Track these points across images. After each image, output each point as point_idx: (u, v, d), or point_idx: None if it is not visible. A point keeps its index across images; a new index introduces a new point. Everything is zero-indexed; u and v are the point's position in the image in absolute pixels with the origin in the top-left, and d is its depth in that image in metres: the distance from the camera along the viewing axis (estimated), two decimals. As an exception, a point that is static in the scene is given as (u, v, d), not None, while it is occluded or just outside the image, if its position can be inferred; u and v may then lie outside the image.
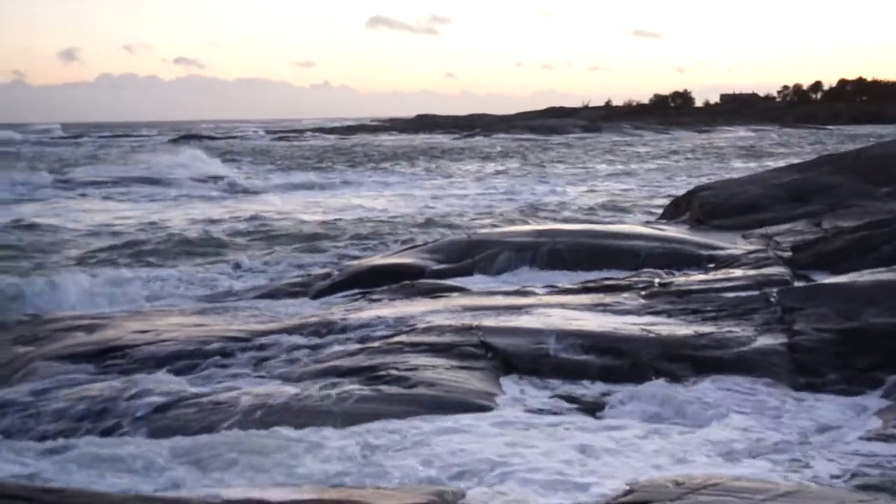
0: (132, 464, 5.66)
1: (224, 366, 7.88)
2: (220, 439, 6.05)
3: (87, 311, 11.16)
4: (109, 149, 65.59)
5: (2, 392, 7.52)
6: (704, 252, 12.10)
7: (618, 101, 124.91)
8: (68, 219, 21.89)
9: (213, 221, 21.17)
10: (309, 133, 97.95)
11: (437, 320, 8.75)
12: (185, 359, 8.04)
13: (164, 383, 7.36)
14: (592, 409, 6.65)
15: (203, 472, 5.54)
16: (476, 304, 9.60)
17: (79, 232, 19.47)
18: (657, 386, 6.97)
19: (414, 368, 7.31)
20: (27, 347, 9.13)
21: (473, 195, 27.12)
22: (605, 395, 6.94)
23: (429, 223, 20.10)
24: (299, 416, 6.47)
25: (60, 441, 6.33)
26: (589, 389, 7.07)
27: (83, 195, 28.74)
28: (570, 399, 6.83)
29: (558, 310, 9.01)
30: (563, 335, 7.91)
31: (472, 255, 12.54)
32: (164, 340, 8.56)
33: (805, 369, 7.33)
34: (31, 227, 19.98)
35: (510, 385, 7.16)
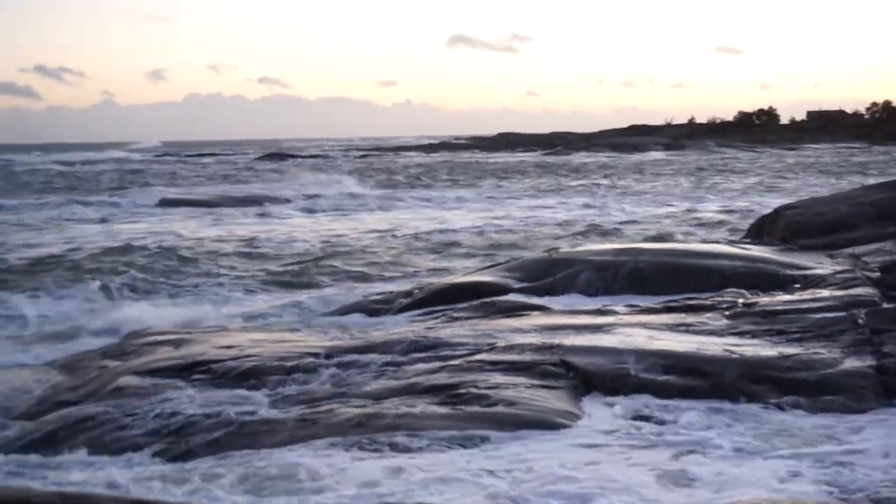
0: (199, 483, 5.72)
1: (305, 382, 7.96)
2: (291, 458, 6.10)
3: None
4: (231, 166, 67.37)
5: (90, 405, 7.71)
6: (790, 272, 11.89)
7: (701, 119, 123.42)
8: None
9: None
10: (391, 152, 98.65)
11: (518, 339, 8.75)
12: (267, 375, 8.14)
13: (246, 399, 7.50)
14: (674, 429, 6.57)
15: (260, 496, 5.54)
16: (556, 322, 9.57)
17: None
18: (742, 407, 6.87)
19: (494, 387, 7.31)
20: (115, 362, 9.33)
21: (555, 213, 27.04)
22: (687, 415, 6.85)
23: (508, 241, 20.10)
24: (377, 434, 6.51)
25: (138, 456, 6.50)
26: (670, 410, 6.99)
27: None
28: (650, 419, 6.77)
29: (640, 329, 8.94)
30: (644, 355, 7.85)
31: (552, 274, 12.50)
32: (247, 356, 8.69)
33: (893, 392, 7.16)
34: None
35: (590, 404, 7.11)
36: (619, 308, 10.35)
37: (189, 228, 24.17)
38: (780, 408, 6.99)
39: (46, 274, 16.15)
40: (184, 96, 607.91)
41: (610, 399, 7.24)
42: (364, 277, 15.48)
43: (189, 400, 7.60)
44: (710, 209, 27.55)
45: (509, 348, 8.39)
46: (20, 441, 7.30)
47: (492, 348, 8.46)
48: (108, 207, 31.68)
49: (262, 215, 28.12)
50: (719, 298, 10.41)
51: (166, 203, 32.61)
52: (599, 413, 6.92)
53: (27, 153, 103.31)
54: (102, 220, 27.56)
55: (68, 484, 5.64)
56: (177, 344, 9.65)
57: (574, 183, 42.19)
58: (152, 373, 8.43)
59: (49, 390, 8.72)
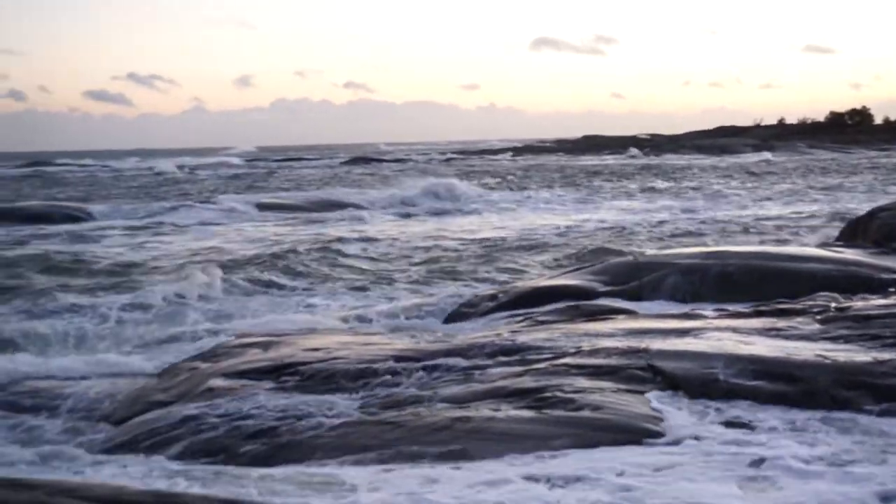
0: (288, 487, 5.77)
1: (390, 386, 8.01)
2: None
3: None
4: (328, 170, 68.71)
5: (181, 407, 7.86)
6: (884, 276, 11.61)
7: (791, 119, 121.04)
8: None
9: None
10: (476, 155, 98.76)
11: (603, 343, 8.68)
12: (354, 378, 8.20)
13: (332, 402, 7.57)
14: (766, 435, 6.44)
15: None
16: (643, 326, 9.48)
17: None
18: (835, 414, 6.72)
19: (580, 391, 7.26)
20: (206, 363, 9.49)
21: (641, 215, 26.80)
22: (777, 421, 6.72)
23: (594, 243, 19.98)
24: (466, 439, 6.51)
25: (225, 456, 6.60)
26: (760, 416, 6.86)
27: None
28: (739, 425, 6.65)
29: (728, 333, 8.80)
30: (733, 359, 7.72)
31: (638, 278, 12.39)
32: (334, 359, 8.77)
33: None
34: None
35: (679, 410, 7.01)
36: (707, 312, 10.21)
37: (305, 232, 24.56)
38: (875, 415, 6.81)
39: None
40: (271, 102, 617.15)
41: (698, 404, 7.14)
42: (450, 280, 15.51)
43: (276, 402, 7.69)
44: (800, 211, 27.03)
45: (595, 352, 8.33)
46: (112, 441, 7.48)
47: (577, 352, 8.41)
48: (225, 212, 32.12)
49: (359, 219, 28.41)
50: (811, 302, 10.20)
51: (267, 207, 33.30)
52: (687, 418, 6.83)
53: (118, 159, 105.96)
54: (214, 224, 28.08)
55: (158, 482, 5.75)
56: (266, 346, 9.79)
57: (661, 185, 41.75)
58: (241, 374, 8.57)
59: (140, 390, 8.92)
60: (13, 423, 8.29)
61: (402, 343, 9.61)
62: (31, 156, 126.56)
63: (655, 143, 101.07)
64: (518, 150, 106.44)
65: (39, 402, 8.74)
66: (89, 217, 31.12)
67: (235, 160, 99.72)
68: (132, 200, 38.38)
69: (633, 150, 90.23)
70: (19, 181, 62.36)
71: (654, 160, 73.72)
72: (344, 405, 7.49)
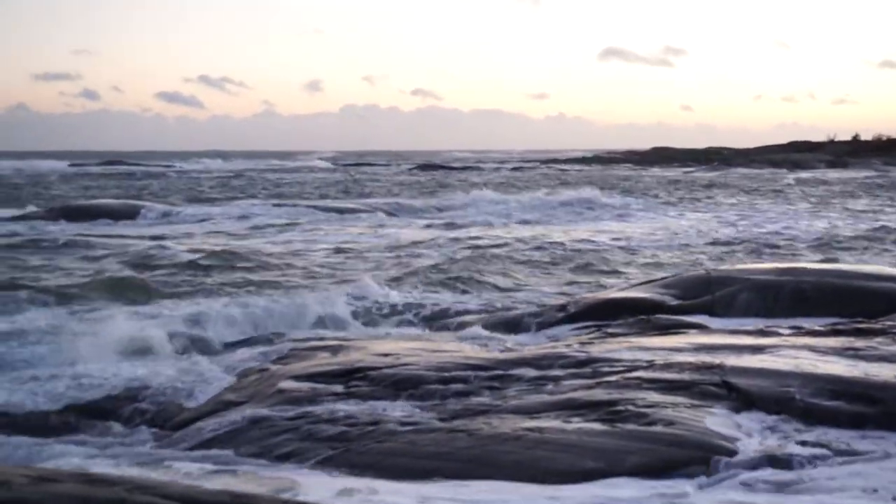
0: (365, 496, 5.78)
1: (460, 394, 7.98)
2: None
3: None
4: (409, 175, 69.56)
5: (252, 409, 7.92)
6: (966, 297, 11.32)
7: (866, 136, 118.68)
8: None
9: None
10: (543, 165, 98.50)
11: (676, 357, 8.57)
12: (425, 385, 8.19)
13: (401, 408, 7.58)
14: (844, 459, 6.30)
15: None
16: (716, 342, 9.34)
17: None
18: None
19: (652, 405, 7.17)
20: (276, 365, 9.56)
21: (713, 229, 26.47)
22: (858, 443, 6.57)
23: (665, 256, 19.79)
24: (536, 450, 6.47)
25: (297, 460, 6.62)
26: (838, 438, 6.71)
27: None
28: (820, 446, 6.50)
29: (805, 352, 8.63)
30: (809, 379, 7.58)
31: (710, 292, 12.22)
32: (403, 364, 8.78)
33: None
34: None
35: (753, 428, 6.89)
36: (781, 329, 10.04)
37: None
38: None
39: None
40: (340, 107, 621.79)
41: (774, 423, 7.01)
42: (517, 289, 15.46)
43: (346, 407, 7.72)
44: (877, 229, 26.51)
45: (667, 366, 8.23)
46: (187, 441, 7.55)
47: (649, 366, 8.31)
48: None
49: (450, 225, 28.60)
50: (890, 322, 9.98)
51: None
52: (762, 437, 6.70)
53: (193, 161, 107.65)
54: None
55: (230, 482, 5.79)
56: (335, 350, 9.84)
57: (732, 199, 41.23)
58: (311, 378, 8.60)
59: (213, 391, 9.00)
60: (94, 422, 8.41)
61: (471, 351, 9.59)
62: (106, 155, 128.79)
63: (726, 157, 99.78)
64: (587, 160, 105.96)
65: (118, 402, 8.86)
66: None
67: (324, 164, 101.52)
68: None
69: (703, 164, 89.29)
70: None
71: (724, 174, 72.80)
72: (413, 412, 7.49)
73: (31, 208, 32.84)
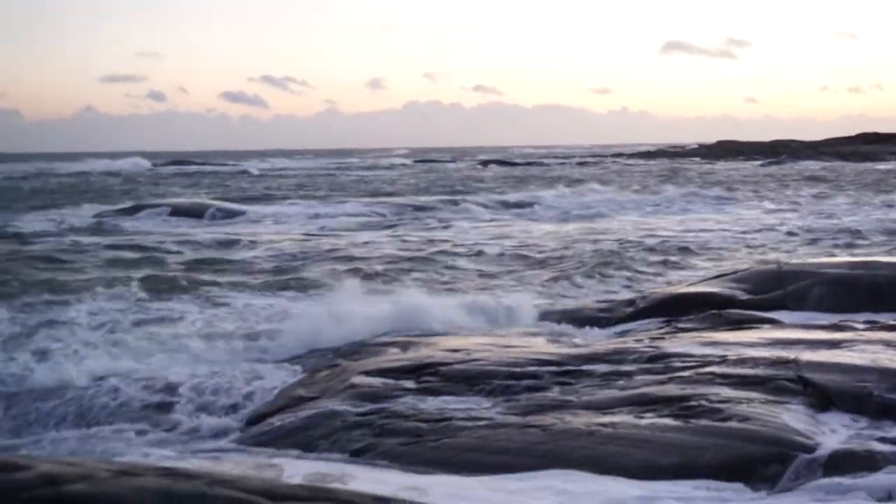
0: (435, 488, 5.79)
1: (531, 389, 7.95)
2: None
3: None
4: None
5: (326, 402, 7.97)
6: None
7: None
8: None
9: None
10: (610, 159, 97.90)
11: (749, 352, 8.45)
12: (496, 380, 8.18)
13: (473, 404, 7.57)
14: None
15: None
16: (789, 336, 9.20)
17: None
18: None
19: (726, 401, 7.08)
20: (346, 361, 9.61)
21: (784, 222, 26.05)
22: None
23: (734, 250, 19.55)
24: (609, 445, 6.43)
25: (371, 455, 6.65)
26: (919, 434, 6.57)
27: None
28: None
29: (881, 347, 8.46)
30: (888, 374, 7.43)
31: (782, 287, 12.04)
32: (474, 360, 8.77)
33: None
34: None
35: (831, 424, 6.77)
36: (856, 324, 9.86)
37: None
38: None
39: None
40: (403, 104, 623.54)
41: (851, 419, 6.89)
42: (585, 283, 15.37)
43: (418, 402, 7.74)
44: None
45: (741, 361, 8.12)
46: (261, 436, 7.62)
47: (722, 361, 8.21)
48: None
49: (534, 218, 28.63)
50: (970, 316, 9.76)
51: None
52: (841, 434, 6.58)
53: (290, 158, 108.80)
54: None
55: (305, 476, 5.83)
56: (405, 346, 9.85)
57: (804, 192, 40.53)
58: (383, 373, 8.63)
59: (286, 386, 9.07)
60: (169, 416, 8.53)
61: (541, 346, 9.55)
62: (174, 155, 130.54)
63: (794, 150, 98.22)
64: (651, 155, 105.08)
65: (195, 397, 8.96)
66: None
67: (406, 161, 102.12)
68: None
69: (770, 157, 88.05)
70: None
71: (792, 167, 71.64)
72: (485, 407, 7.49)
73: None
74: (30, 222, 28.59)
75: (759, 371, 7.75)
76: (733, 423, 6.65)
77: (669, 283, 14.96)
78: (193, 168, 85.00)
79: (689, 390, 7.39)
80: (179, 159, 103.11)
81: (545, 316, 12.02)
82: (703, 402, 7.06)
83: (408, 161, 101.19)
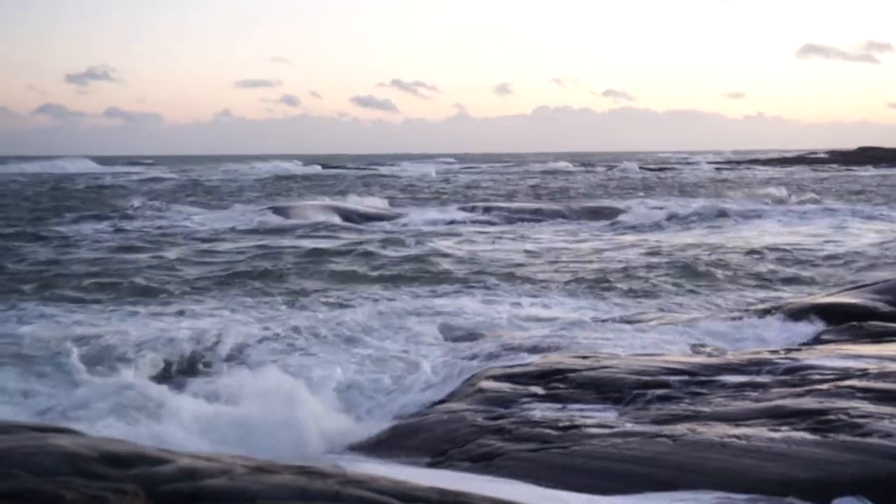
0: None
1: (662, 399, 7.83)
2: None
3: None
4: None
5: (454, 407, 8.00)
6: None
7: None
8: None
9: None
10: (745, 165, 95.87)
11: (892, 366, 8.14)
12: (623, 388, 8.08)
13: (602, 412, 7.50)
14: None
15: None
16: (936, 351, 8.85)
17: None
18: None
19: (867, 416, 6.84)
20: (470, 362, 9.64)
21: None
22: None
23: (874, 260, 18.91)
24: (743, 458, 6.28)
25: (501, 461, 6.63)
26: None
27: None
28: None
29: None
30: None
31: (927, 299, 11.59)
32: (603, 367, 8.68)
33: None
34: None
35: (981, 443, 6.47)
36: None
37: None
38: None
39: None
40: (533, 109, 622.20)
41: None
42: (717, 290, 15.09)
43: (546, 408, 7.70)
44: None
45: (882, 376, 7.83)
46: (383, 436, 7.70)
47: (863, 374, 7.94)
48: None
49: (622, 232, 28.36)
50: None
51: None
52: None
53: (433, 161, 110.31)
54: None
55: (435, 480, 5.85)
56: (532, 350, 9.83)
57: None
58: (511, 378, 8.62)
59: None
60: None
61: (672, 355, 9.41)
62: (310, 158, 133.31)
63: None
64: (789, 161, 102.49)
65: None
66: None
67: (570, 166, 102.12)
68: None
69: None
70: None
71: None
72: (614, 416, 7.40)
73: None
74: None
75: (903, 386, 7.47)
76: (874, 439, 6.41)
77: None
78: (351, 171, 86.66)
79: (827, 404, 7.16)
80: (323, 163, 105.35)
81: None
82: (843, 417, 6.84)
83: (571, 166, 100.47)
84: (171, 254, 21.39)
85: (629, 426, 7.12)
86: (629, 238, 24.85)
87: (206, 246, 23.09)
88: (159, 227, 28.07)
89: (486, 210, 34.35)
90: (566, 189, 54.50)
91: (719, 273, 17.50)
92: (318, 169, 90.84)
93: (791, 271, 17.70)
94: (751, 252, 20.70)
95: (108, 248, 22.68)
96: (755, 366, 8.52)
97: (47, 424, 5.46)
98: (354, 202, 36.45)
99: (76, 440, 4.46)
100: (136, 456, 4.30)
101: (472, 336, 12.11)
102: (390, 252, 21.33)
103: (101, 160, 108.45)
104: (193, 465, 4.21)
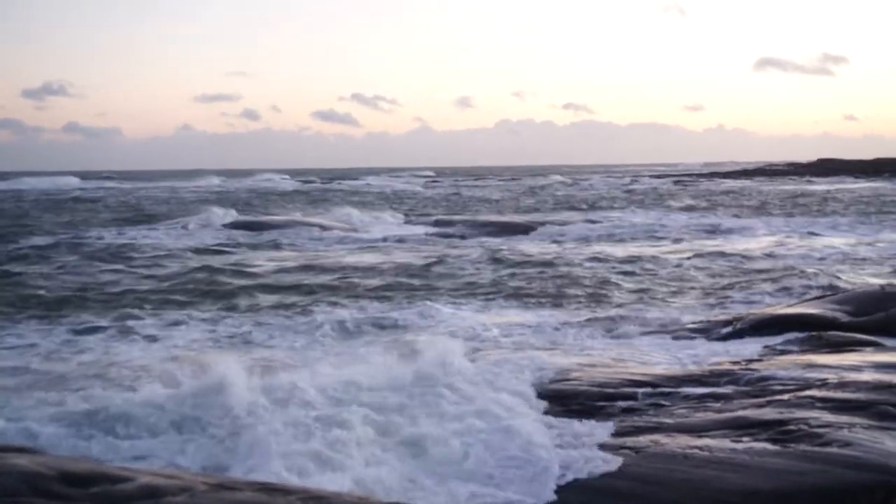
0: None
1: (625, 411, 7.86)
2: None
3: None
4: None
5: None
6: None
7: None
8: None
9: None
10: (705, 178, 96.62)
11: (851, 376, 8.25)
12: (588, 400, 8.12)
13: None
14: None
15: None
16: (893, 360, 8.96)
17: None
18: None
19: (826, 425, 6.91)
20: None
21: (892, 244, 25.32)
22: None
23: (833, 270, 19.08)
24: (705, 469, 6.32)
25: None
26: None
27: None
28: None
29: None
30: None
31: (885, 309, 11.74)
32: (565, 380, 8.71)
33: None
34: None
35: (938, 452, 6.56)
36: (965, 347, 9.56)
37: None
38: None
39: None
40: (495, 122, 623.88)
41: (959, 447, 6.66)
42: (682, 303, 15.17)
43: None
44: None
45: (842, 385, 7.93)
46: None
47: (822, 384, 8.03)
48: None
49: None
50: None
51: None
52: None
53: (354, 178, 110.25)
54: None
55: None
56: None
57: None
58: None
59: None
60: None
61: (635, 367, 9.44)
62: (285, 172, 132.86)
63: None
64: (748, 173, 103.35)
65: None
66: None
67: (558, 177, 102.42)
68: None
69: (872, 176, 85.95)
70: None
71: (896, 185, 69.66)
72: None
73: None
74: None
75: (861, 395, 7.56)
76: (833, 449, 6.48)
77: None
78: (336, 185, 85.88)
79: (787, 414, 7.23)
80: (307, 178, 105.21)
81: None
82: (803, 427, 6.91)
83: (566, 179, 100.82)
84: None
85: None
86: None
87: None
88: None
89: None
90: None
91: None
92: (318, 184, 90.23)
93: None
94: (710, 262, 20.85)
95: None
96: (717, 377, 8.59)
97: (7, 444, 5.41)
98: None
99: (35, 459, 4.42)
100: (96, 475, 4.27)
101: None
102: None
103: (57, 176, 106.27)
104: (154, 483, 4.19)
